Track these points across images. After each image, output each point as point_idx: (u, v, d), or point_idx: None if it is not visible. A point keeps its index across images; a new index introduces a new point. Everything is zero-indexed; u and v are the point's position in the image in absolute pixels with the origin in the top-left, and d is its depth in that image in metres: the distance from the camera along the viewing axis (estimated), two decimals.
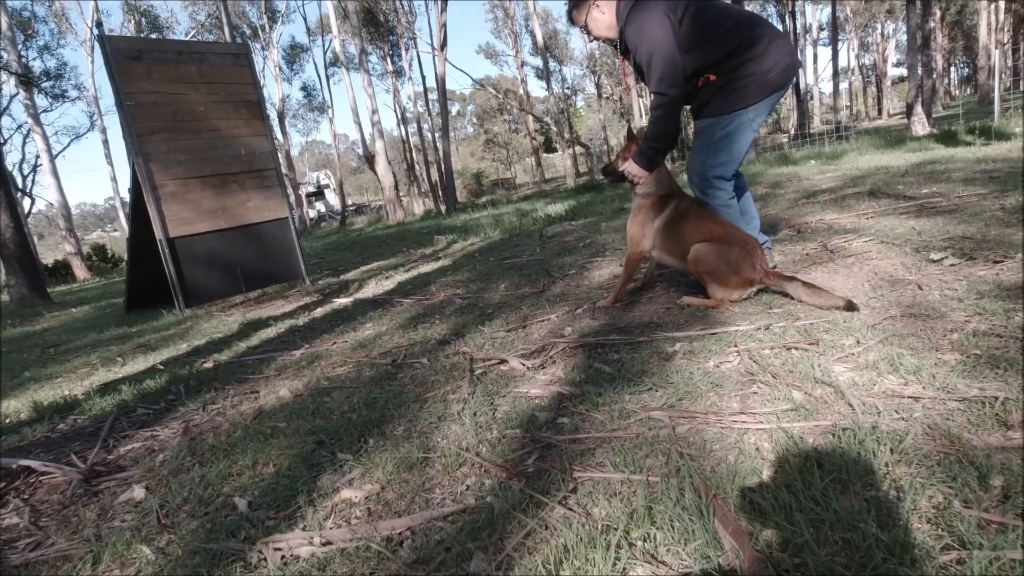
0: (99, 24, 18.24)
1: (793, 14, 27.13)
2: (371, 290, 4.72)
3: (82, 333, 5.01)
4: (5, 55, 15.46)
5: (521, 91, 40.88)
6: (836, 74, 25.56)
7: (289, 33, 45.86)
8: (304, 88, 33.59)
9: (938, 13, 34.67)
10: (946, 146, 8.64)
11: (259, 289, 5.64)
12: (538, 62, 42.07)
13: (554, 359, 2.16)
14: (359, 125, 21.79)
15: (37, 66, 21.51)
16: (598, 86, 46.19)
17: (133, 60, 4.81)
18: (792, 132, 27.96)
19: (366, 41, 21.07)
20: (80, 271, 17.55)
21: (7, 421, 2.65)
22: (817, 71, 38.99)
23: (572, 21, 2.56)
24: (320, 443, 1.71)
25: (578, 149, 33.79)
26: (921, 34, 14.12)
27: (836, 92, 26.68)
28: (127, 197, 7.15)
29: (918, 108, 13.08)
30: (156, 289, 5.60)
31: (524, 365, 2.11)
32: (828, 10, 35.14)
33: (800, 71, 2.99)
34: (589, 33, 2.53)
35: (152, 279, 5.53)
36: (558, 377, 1.97)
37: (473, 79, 24.07)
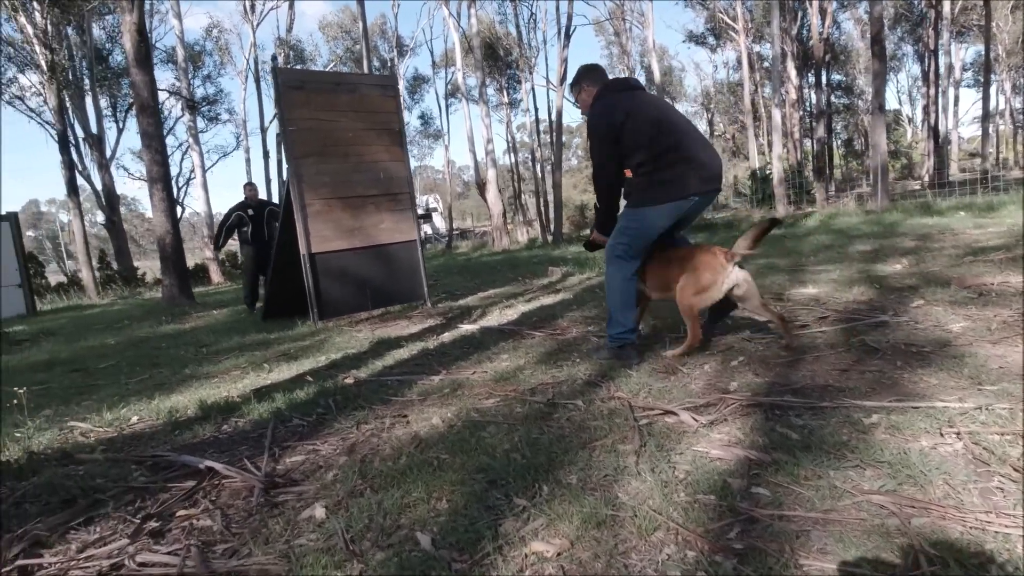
0: (274, 58, 20.41)
1: (936, 53, 25.17)
2: (495, 319, 4.75)
3: (226, 336, 5.41)
4: (178, 83, 17.65)
5: None
6: (986, 117, 23.29)
7: (413, 65, 48.90)
8: (422, 116, 35.42)
9: None
10: None
11: (383, 307, 5.86)
12: None
13: (726, 417, 2.00)
14: (473, 153, 22.65)
15: (199, 92, 24.29)
16: (710, 123, 45.19)
17: (296, 90, 5.23)
18: (926, 179, 25.72)
19: (486, 74, 21.96)
20: (215, 275, 19.30)
21: (176, 417, 2.86)
22: (957, 115, 35.80)
23: (573, 95, 3.12)
24: (492, 483, 1.66)
25: None
26: None
27: (985, 137, 24.27)
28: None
29: None
30: (290, 299, 5.98)
31: (696, 420, 1.96)
32: (974, 49, 32.34)
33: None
34: (582, 108, 3.06)
35: (288, 289, 5.91)
36: (737, 438, 1.82)
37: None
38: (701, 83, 44.17)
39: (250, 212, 7.66)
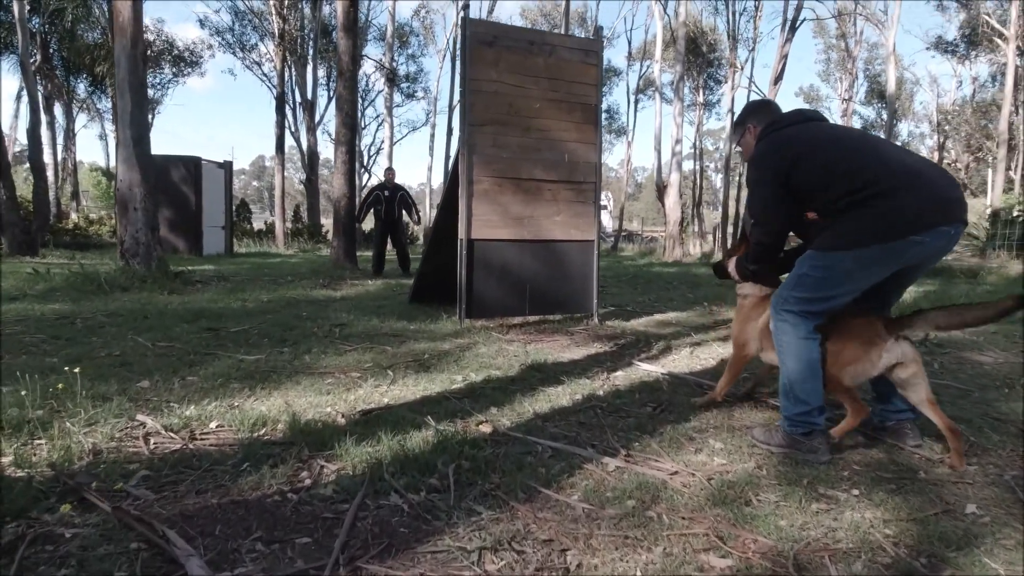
0: (466, 7, 20.67)
1: None
2: (684, 361, 3.55)
3: (366, 316, 4.84)
4: (383, 57, 18.46)
5: None
6: None
7: (607, 57, 47.52)
8: (608, 111, 34.16)
9: None
10: None
11: (542, 315, 4.92)
12: (868, 112, 36.50)
13: None
14: (657, 153, 21.02)
15: (402, 71, 25.59)
16: (940, 148, 38.23)
17: (486, 46, 4.42)
18: None
19: (685, 68, 20.15)
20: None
21: (257, 436, 2.13)
22: None
23: (735, 140, 2.54)
24: None
25: None
26: None
27: None
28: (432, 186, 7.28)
29: None
30: (439, 286, 5.29)
31: None
32: None
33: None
34: (744, 154, 2.47)
35: (439, 274, 5.21)
36: None
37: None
38: (937, 100, 37.31)
39: (386, 193, 8.85)
